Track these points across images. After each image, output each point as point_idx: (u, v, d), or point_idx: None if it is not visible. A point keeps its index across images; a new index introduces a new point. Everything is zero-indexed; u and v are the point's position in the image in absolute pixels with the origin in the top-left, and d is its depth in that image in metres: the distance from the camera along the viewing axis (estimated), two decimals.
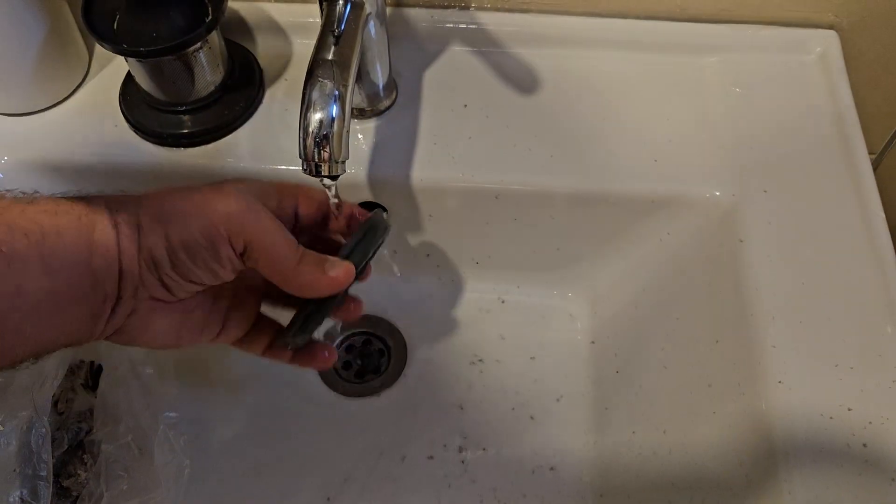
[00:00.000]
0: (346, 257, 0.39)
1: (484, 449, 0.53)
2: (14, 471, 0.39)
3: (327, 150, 0.40)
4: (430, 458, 0.53)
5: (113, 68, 0.55)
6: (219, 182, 0.37)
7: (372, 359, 0.57)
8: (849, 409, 0.41)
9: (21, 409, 0.41)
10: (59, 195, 0.34)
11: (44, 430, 0.40)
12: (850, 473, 0.40)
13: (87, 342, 0.34)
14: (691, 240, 0.50)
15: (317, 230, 0.41)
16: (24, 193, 0.33)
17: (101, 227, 0.33)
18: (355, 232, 0.41)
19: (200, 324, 0.39)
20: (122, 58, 0.53)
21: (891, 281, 0.45)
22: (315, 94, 0.40)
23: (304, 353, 0.42)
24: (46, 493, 0.39)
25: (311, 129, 0.39)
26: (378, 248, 0.41)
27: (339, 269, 0.37)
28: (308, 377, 0.56)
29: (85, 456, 0.45)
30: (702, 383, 0.47)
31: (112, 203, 0.34)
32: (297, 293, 0.37)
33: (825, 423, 0.41)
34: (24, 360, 0.32)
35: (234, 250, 0.35)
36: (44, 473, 0.39)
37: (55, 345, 0.33)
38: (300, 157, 0.40)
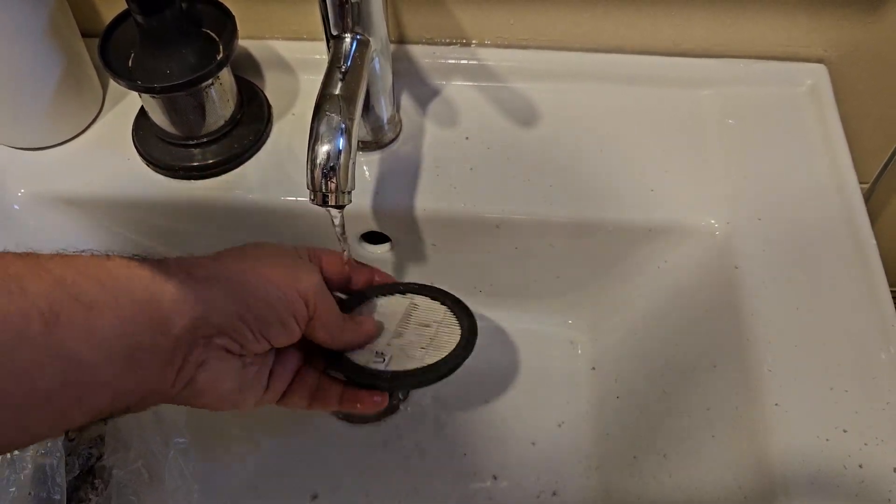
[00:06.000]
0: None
1: (486, 474, 0.53)
2: (29, 494, 0.40)
3: (334, 181, 0.41)
4: (433, 484, 0.53)
5: (126, 104, 0.57)
6: (251, 245, 0.41)
7: None
8: (844, 431, 0.42)
9: None
10: (132, 255, 0.36)
11: (58, 454, 0.41)
12: (846, 494, 0.40)
13: (164, 398, 0.36)
14: (688, 267, 0.51)
15: (336, 288, 0.46)
16: (96, 253, 0.35)
17: (175, 279, 0.35)
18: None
19: (256, 381, 0.41)
20: (135, 94, 0.55)
21: (883, 306, 0.46)
22: (323, 128, 0.42)
23: (351, 395, 0.45)
24: None
25: (318, 161, 0.41)
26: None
27: (369, 324, 0.45)
28: None
29: (96, 481, 0.46)
30: (701, 407, 0.47)
31: (186, 263, 0.37)
32: (338, 348, 0.44)
33: (821, 445, 0.42)
34: (104, 410, 0.33)
35: (308, 315, 0.40)
36: (58, 497, 0.40)
37: (132, 395, 0.34)
38: (308, 188, 0.41)
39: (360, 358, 0.45)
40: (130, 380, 0.33)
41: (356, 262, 0.48)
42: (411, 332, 0.47)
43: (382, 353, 0.45)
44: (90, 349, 0.31)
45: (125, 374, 0.33)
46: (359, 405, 0.45)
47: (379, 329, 0.46)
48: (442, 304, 0.48)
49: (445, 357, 0.45)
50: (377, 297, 0.48)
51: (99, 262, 0.34)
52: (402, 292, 0.49)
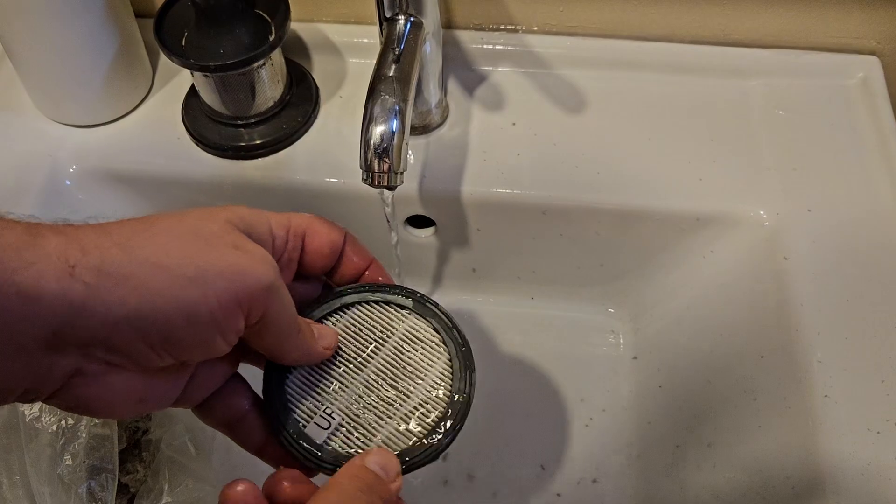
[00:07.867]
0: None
1: (526, 460, 0.54)
2: (84, 462, 0.40)
3: (387, 161, 0.41)
4: (473, 470, 0.54)
5: (175, 83, 0.57)
6: (215, 209, 0.31)
7: None
8: None
9: None
10: (9, 217, 0.26)
11: (112, 424, 0.41)
12: None
13: (28, 399, 0.28)
14: (735, 257, 0.51)
15: (318, 273, 0.36)
16: None
17: (44, 266, 0.25)
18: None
19: (166, 391, 0.31)
20: (184, 73, 0.56)
21: None
22: (377, 109, 0.42)
23: (273, 451, 0.35)
24: (112, 484, 0.41)
25: (372, 142, 0.41)
26: None
27: (329, 340, 0.35)
28: None
29: (144, 454, 0.47)
30: (747, 398, 0.47)
31: (73, 239, 0.26)
32: (283, 362, 0.34)
33: (872, 438, 0.41)
34: None
35: (244, 325, 0.29)
36: (110, 466, 0.41)
37: None
38: (361, 168, 0.42)
39: (302, 407, 0.34)
40: None
41: (356, 244, 0.36)
42: (380, 378, 0.35)
43: (330, 416, 0.34)
44: None
45: None
46: (282, 466, 0.33)
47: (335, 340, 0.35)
48: (435, 331, 0.36)
49: (410, 447, 0.33)
50: (354, 303, 0.36)
51: None
52: (393, 301, 0.36)
